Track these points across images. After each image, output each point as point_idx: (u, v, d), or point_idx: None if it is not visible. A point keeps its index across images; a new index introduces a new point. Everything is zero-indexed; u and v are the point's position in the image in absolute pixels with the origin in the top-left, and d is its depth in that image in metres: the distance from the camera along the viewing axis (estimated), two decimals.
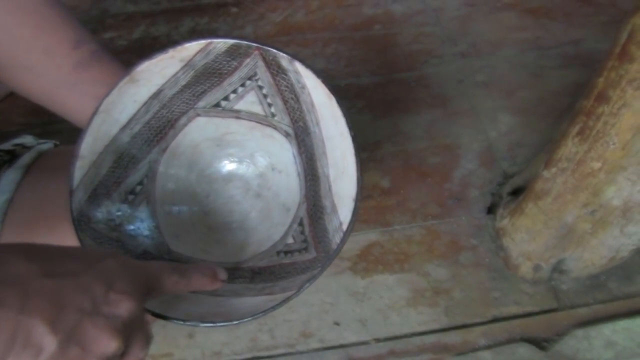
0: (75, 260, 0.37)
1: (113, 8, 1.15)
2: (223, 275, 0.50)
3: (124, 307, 0.36)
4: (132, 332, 0.37)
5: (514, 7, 1.12)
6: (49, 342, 0.32)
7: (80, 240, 0.48)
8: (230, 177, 0.61)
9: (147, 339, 0.40)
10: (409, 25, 1.10)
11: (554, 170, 0.66)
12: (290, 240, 0.57)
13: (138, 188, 0.56)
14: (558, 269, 0.77)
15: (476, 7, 1.12)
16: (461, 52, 1.05)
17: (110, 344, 0.35)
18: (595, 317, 0.75)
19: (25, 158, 0.60)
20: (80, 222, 0.49)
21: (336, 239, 0.51)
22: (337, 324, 0.76)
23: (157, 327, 0.42)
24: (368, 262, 0.81)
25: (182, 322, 0.45)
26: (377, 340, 0.74)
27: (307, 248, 0.55)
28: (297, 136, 0.57)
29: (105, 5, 1.15)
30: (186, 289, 0.46)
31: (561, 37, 1.07)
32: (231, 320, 0.45)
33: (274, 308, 0.45)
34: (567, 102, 0.95)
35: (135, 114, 0.54)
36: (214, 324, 0.45)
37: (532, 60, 1.04)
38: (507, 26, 1.09)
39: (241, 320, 0.45)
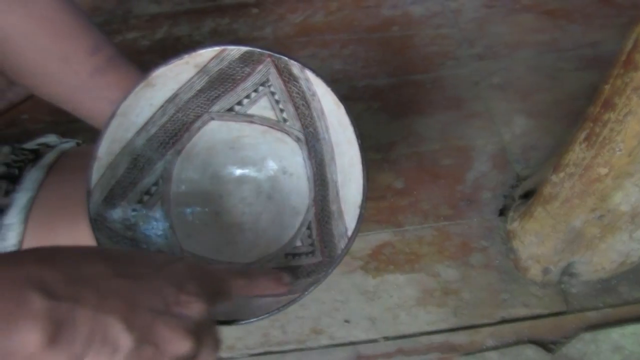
0: (146, 262, 0.38)
1: (137, 9, 1.18)
2: (287, 278, 0.49)
3: (194, 308, 0.36)
4: (203, 334, 0.37)
5: (532, 8, 1.11)
6: (125, 340, 0.32)
7: (96, 239, 0.49)
8: (242, 179, 0.62)
9: (217, 343, 0.39)
10: (427, 27, 1.10)
11: (562, 175, 0.66)
12: (298, 244, 0.58)
13: (153, 189, 0.58)
14: (568, 272, 0.77)
15: (494, 9, 1.12)
16: (478, 54, 1.05)
17: (183, 344, 0.35)
18: (604, 321, 0.75)
19: (48, 157, 0.62)
20: (97, 222, 0.50)
21: (341, 244, 0.52)
22: (347, 321, 0.77)
23: None
24: (379, 261, 0.82)
25: None
26: (386, 338, 0.76)
27: (313, 252, 0.56)
28: (307, 141, 0.58)
29: (129, 6, 1.18)
30: (251, 292, 0.46)
31: (579, 39, 1.06)
32: (238, 321, 0.46)
33: (278, 310, 0.46)
34: (583, 105, 0.93)
35: (151, 117, 0.55)
36: (219, 324, 0.47)
37: (549, 63, 1.03)
38: (525, 28, 1.09)
39: (248, 321, 0.46)
